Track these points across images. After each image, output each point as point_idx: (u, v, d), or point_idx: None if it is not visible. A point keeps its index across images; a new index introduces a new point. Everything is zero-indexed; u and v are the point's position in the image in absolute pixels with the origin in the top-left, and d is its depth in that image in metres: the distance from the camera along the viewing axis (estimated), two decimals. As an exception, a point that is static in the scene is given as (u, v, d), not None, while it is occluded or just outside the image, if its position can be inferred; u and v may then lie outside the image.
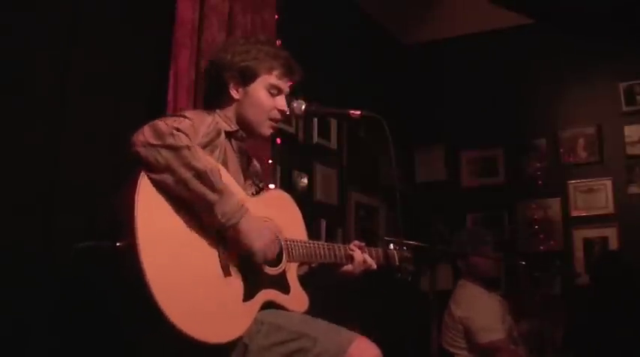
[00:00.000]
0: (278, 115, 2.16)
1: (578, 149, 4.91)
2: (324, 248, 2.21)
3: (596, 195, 4.79)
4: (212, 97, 2.16)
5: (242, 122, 2.13)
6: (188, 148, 1.77)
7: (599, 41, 4.76)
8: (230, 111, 2.13)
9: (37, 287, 2.12)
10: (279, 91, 2.14)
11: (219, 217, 1.79)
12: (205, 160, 1.80)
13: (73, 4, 2.37)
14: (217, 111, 2.13)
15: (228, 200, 1.81)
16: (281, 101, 2.15)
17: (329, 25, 4.25)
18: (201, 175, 1.76)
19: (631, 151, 4.73)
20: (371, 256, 2.32)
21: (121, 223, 1.71)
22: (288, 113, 2.19)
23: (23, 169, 2.15)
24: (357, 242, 2.33)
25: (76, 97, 2.35)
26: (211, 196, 1.78)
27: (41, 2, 2.26)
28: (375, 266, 2.30)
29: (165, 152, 1.75)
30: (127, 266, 1.67)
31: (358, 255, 2.27)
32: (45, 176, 2.22)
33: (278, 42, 3.03)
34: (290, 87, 2.19)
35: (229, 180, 1.94)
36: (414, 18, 5.25)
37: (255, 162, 2.33)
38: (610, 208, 4.73)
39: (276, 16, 3.33)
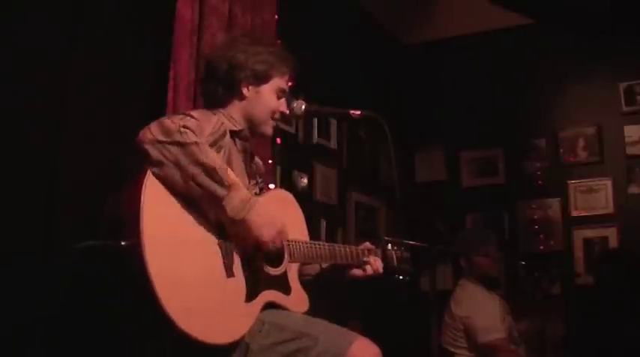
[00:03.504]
0: (279, 116, 2.22)
1: (578, 149, 4.91)
2: (326, 249, 2.20)
3: (596, 195, 4.79)
4: (217, 96, 2.16)
5: (248, 121, 2.16)
6: (196, 144, 1.78)
7: (599, 41, 4.76)
8: (235, 110, 2.15)
9: (38, 288, 2.12)
10: (284, 94, 2.21)
11: (229, 211, 1.80)
12: (212, 156, 1.81)
13: (73, 4, 2.36)
14: (221, 110, 2.14)
15: (237, 194, 1.82)
16: (284, 103, 2.22)
17: (329, 26, 4.25)
18: (209, 171, 1.78)
19: (631, 151, 4.73)
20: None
21: (126, 221, 1.71)
22: (288, 113, 2.24)
23: (23, 169, 2.15)
24: (368, 244, 2.33)
25: (76, 97, 2.34)
26: (220, 190, 1.79)
27: (41, 2, 2.26)
28: (381, 271, 2.29)
29: (173, 149, 1.76)
30: (131, 266, 1.67)
31: (377, 263, 2.27)
32: (45, 176, 2.22)
33: (277, 42, 3.03)
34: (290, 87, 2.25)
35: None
36: (414, 18, 5.25)
37: (258, 160, 2.34)
38: (610, 208, 4.73)
39: (276, 16, 3.33)
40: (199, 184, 1.77)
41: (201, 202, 1.81)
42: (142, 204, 1.70)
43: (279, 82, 2.18)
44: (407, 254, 2.43)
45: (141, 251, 1.66)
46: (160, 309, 1.64)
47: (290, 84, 2.24)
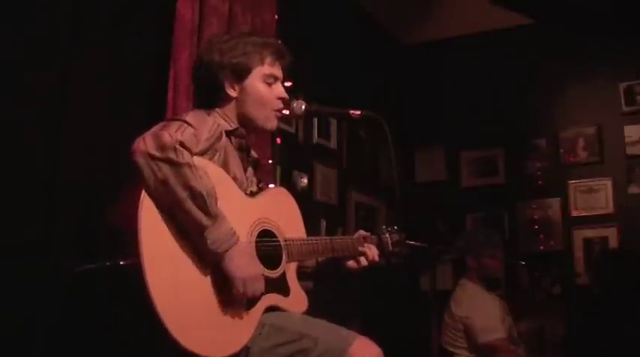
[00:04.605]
0: (280, 104, 2.14)
1: (578, 149, 4.91)
2: (322, 243, 2.19)
3: (596, 195, 4.79)
4: (207, 98, 2.12)
5: (245, 120, 2.11)
6: (189, 166, 1.74)
7: (599, 41, 4.76)
8: (230, 109, 2.10)
9: (37, 292, 2.11)
10: (275, 79, 2.13)
11: (209, 243, 1.75)
12: (204, 182, 1.76)
13: (73, 4, 2.36)
14: (217, 109, 2.09)
15: (220, 227, 1.76)
16: (279, 89, 2.14)
17: (329, 25, 4.25)
18: (196, 197, 1.73)
19: (631, 151, 4.72)
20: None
21: (124, 239, 1.70)
22: (287, 98, 2.16)
23: (23, 170, 2.15)
24: (362, 232, 2.31)
25: (76, 97, 2.34)
26: (204, 220, 1.74)
27: (41, 2, 2.26)
28: (377, 259, 2.27)
29: (164, 167, 1.72)
30: (130, 283, 1.67)
31: (372, 252, 2.25)
32: (45, 176, 2.21)
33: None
34: (283, 71, 2.16)
35: (229, 193, 1.92)
36: (414, 18, 5.25)
37: (253, 152, 2.28)
38: (610, 208, 4.72)
39: (276, 16, 3.33)
40: (184, 209, 1.72)
41: (185, 226, 1.76)
42: (139, 224, 1.68)
43: (263, 69, 2.09)
44: (402, 237, 2.41)
45: (141, 271, 1.65)
46: (161, 326, 1.64)
47: (281, 68, 2.15)
